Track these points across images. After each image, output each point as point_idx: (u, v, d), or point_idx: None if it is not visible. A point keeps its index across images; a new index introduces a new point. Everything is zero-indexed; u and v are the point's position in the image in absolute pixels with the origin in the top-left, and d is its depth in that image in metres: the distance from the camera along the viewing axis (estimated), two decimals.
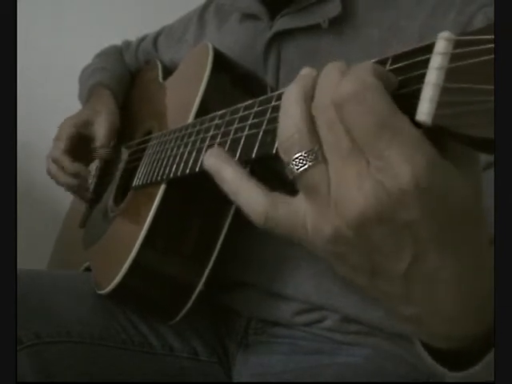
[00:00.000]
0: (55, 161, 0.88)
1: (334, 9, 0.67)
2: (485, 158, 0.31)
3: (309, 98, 0.32)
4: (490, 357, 0.33)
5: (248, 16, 0.79)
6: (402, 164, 0.28)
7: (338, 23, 0.68)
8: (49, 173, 0.91)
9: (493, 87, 0.25)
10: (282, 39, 0.73)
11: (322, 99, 0.31)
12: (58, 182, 0.90)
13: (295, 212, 0.33)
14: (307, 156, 0.31)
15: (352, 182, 0.29)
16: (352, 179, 0.29)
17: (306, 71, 0.34)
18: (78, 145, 0.89)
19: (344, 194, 0.30)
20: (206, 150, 0.55)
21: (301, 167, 0.31)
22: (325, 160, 0.31)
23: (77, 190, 0.91)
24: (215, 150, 0.38)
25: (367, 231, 0.29)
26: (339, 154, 0.30)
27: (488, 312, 0.32)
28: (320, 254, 0.33)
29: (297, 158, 0.32)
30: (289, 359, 0.70)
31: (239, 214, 0.66)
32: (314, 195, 0.31)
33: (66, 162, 0.87)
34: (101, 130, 0.88)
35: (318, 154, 0.31)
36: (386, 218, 0.29)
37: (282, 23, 0.72)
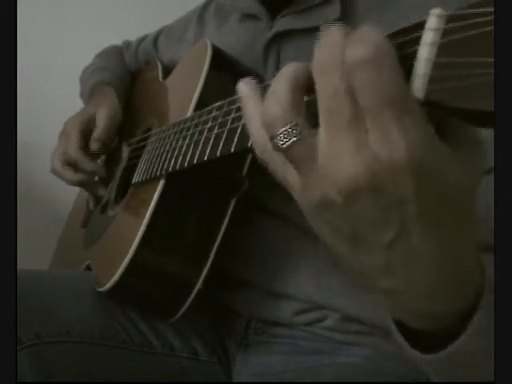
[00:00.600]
0: (69, 158, 0.86)
1: (333, 11, 0.67)
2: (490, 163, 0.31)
3: (300, 73, 0.32)
4: (456, 346, 0.34)
5: (248, 16, 0.79)
6: (401, 139, 0.28)
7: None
8: (55, 171, 0.88)
9: (486, 60, 0.25)
10: (281, 40, 0.72)
11: (325, 64, 0.30)
12: (67, 180, 0.88)
13: (288, 175, 0.33)
14: (291, 131, 0.31)
15: (347, 150, 0.29)
16: (347, 147, 0.29)
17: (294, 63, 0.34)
18: (86, 141, 0.88)
19: (337, 162, 0.30)
20: (204, 143, 0.55)
21: (285, 142, 0.32)
22: (312, 133, 0.31)
23: (87, 186, 0.90)
24: (249, 80, 0.38)
25: (356, 199, 0.30)
26: (339, 121, 0.29)
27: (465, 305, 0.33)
28: (304, 212, 0.34)
29: (281, 133, 0.32)
30: (289, 359, 0.70)
31: (239, 210, 0.67)
32: (303, 167, 0.32)
33: (85, 160, 0.86)
34: (99, 124, 0.88)
35: (302, 128, 0.31)
36: (377, 188, 0.29)
37: (282, 24, 0.72)
